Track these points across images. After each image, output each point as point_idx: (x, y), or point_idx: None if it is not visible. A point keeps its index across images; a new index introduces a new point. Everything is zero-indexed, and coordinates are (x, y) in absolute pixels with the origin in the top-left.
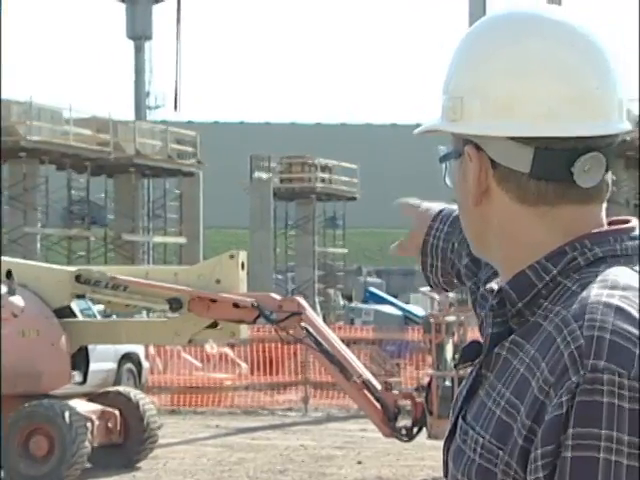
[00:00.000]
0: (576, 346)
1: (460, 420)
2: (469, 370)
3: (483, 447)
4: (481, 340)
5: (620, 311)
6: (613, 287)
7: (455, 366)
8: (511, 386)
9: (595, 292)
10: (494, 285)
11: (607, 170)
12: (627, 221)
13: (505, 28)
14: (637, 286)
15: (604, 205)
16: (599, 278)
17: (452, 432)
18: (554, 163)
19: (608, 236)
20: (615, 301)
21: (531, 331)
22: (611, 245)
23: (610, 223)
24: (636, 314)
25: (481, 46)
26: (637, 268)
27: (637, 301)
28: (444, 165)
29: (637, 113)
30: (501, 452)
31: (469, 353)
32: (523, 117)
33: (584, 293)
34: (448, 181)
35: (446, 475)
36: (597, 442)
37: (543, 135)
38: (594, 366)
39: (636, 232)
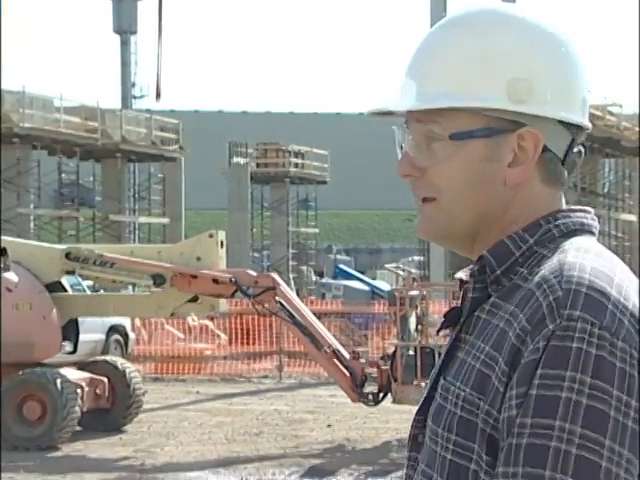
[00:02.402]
0: (554, 297)
1: (441, 380)
2: (448, 338)
3: (464, 400)
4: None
5: (595, 270)
6: (586, 252)
7: (437, 331)
8: (490, 341)
9: (572, 254)
10: (462, 275)
11: None
12: (582, 207)
13: (551, 20)
14: (606, 254)
15: None
16: (573, 246)
17: (426, 401)
18: (574, 150)
19: (576, 212)
20: (590, 262)
21: (510, 292)
22: (579, 219)
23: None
24: (609, 274)
25: (554, 34)
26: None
27: (609, 265)
28: (401, 145)
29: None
30: (481, 402)
31: (451, 318)
32: (577, 106)
33: (561, 256)
34: (412, 151)
35: (411, 449)
36: (561, 382)
37: (582, 123)
38: (569, 315)
39: (594, 216)
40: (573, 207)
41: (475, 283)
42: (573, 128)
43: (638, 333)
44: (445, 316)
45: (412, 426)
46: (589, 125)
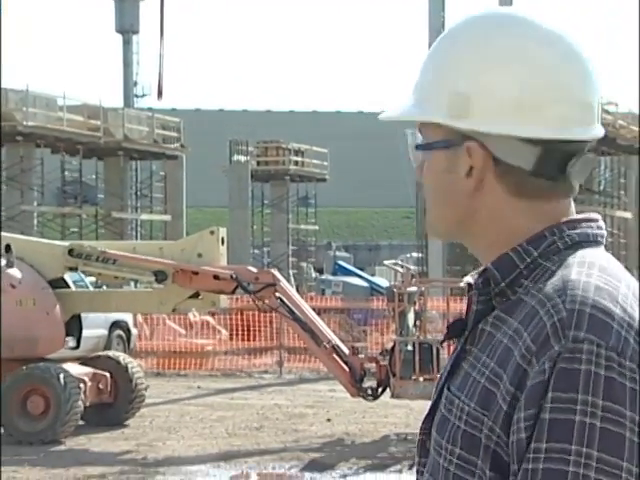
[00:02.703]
0: (559, 318)
1: (445, 390)
2: (453, 347)
3: (468, 414)
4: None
5: (599, 289)
6: (590, 267)
7: (441, 342)
8: (495, 356)
9: (575, 271)
10: (469, 279)
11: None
12: (590, 213)
13: (516, 30)
14: (611, 267)
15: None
16: (577, 260)
17: (433, 409)
18: (554, 162)
19: (582, 223)
20: (594, 280)
21: (514, 307)
22: (584, 230)
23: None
24: (613, 292)
25: (493, 46)
26: (605, 252)
27: (613, 281)
28: (412, 148)
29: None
30: (485, 418)
31: (454, 329)
32: (535, 119)
33: (565, 272)
34: (420, 168)
35: (420, 454)
36: (574, 406)
37: (557, 138)
38: (575, 337)
39: (600, 222)
40: (579, 217)
41: (479, 295)
42: (551, 143)
43: None
44: (448, 328)
45: (419, 432)
46: (581, 137)
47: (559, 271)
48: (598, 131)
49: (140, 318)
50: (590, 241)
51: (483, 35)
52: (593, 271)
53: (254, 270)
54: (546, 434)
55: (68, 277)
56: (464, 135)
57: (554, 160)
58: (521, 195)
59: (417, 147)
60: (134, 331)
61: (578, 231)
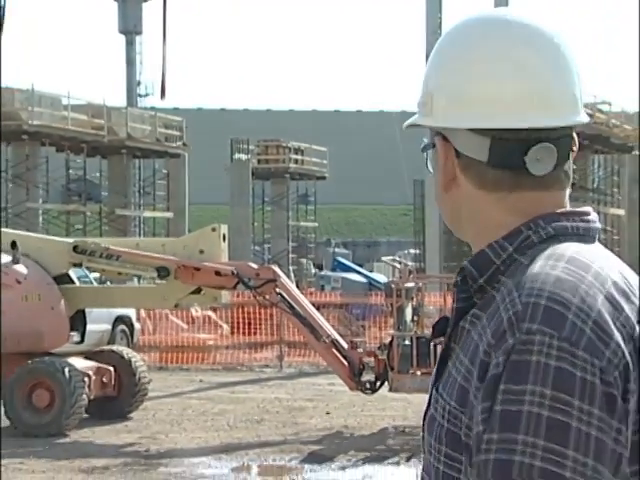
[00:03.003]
0: (514, 311)
1: (433, 390)
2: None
3: (449, 413)
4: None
5: (559, 280)
6: (558, 259)
7: (429, 341)
8: (468, 354)
9: (540, 264)
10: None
11: (564, 160)
12: (583, 207)
13: (469, 31)
14: (582, 259)
15: (566, 192)
16: (547, 253)
17: (427, 407)
18: (509, 153)
19: (560, 216)
20: (556, 271)
21: (487, 303)
22: (563, 224)
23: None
24: (575, 283)
25: (448, 48)
26: (589, 245)
27: (578, 272)
28: (425, 154)
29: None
30: (463, 415)
31: (439, 328)
32: (480, 111)
33: (531, 266)
34: (430, 168)
35: (424, 451)
36: (523, 397)
37: (495, 126)
38: (528, 329)
39: (590, 216)
40: (562, 210)
41: (459, 293)
42: (499, 132)
43: (601, 340)
44: (434, 327)
45: (422, 429)
46: (525, 125)
47: (528, 265)
48: (560, 119)
49: (143, 313)
50: (570, 234)
51: (448, 39)
52: (559, 263)
53: (255, 266)
54: (498, 425)
55: (73, 273)
56: (437, 133)
57: (507, 150)
58: (485, 187)
59: (421, 150)
60: (137, 326)
61: (555, 225)
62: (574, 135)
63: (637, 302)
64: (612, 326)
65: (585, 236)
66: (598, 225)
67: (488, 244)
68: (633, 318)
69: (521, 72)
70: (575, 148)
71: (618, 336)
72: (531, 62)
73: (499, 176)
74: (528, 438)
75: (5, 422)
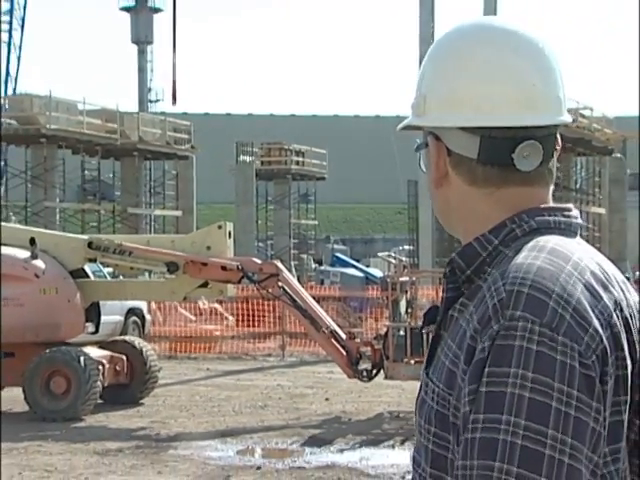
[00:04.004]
0: (499, 299)
1: (424, 375)
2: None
3: (438, 395)
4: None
5: (541, 269)
6: (540, 250)
7: (421, 329)
8: (456, 339)
9: (523, 255)
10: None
11: (549, 158)
12: (566, 204)
13: (459, 38)
14: (563, 250)
15: (550, 189)
16: (530, 244)
17: (420, 389)
18: (497, 150)
19: (543, 211)
20: (538, 261)
21: (474, 293)
22: (546, 218)
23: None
24: (556, 272)
25: (440, 54)
26: (570, 238)
27: (559, 262)
28: (419, 154)
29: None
30: (451, 397)
31: (430, 316)
32: (470, 111)
33: (516, 257)
34: (423, 166)
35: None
36: (506, 379)
37: (484, 125)
38: (512, 315)
39: (571, 212)
40: (545, 206)
41: (448, 284)
42: (487, 131)
43: (580, 326)
44: (425, 315)
45: (414, 413)
46: (511, 123)
47: (512, 257)
48: (545, 119)
49: (154, 305)
50: (551, 228)
51: (440, 46)
52: (541, 254)
53: (258, 261)
54: (482, 406)
55: (88, 268)
56: (429, 132)
57: (495, 148)
58: (475, 184)
59: (415, 150)
60: (148, 317)
61: (538, 219)
62: (558, 135)
63: (614, 292)
64: (591, 313)
65: (566, 230)
66: (579, 221)
67: (475, 238)
68: (610, 306)
69: (508, 75)
70: (559, 147)
71: (596, 322)
72: (518, 66)
73: (488, 172)
74: (511, 418)
75: (25, 407)
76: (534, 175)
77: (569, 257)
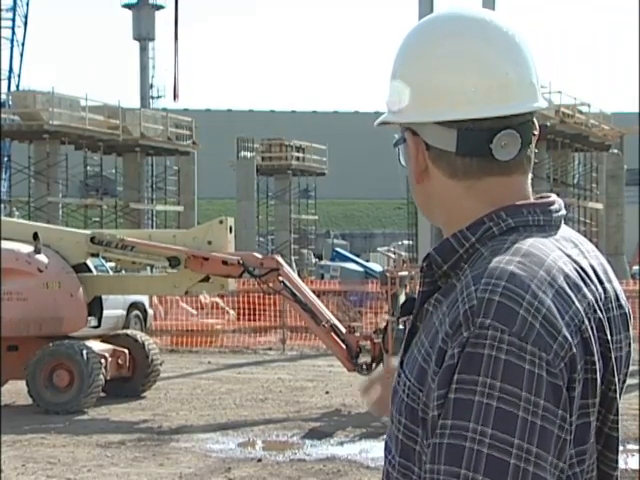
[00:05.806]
0: (470, 306)
1: (398, 366)
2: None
3: (409, 388)
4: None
5: (513, 275)
6: (514, 254)
7: (397, 319)
8: (429, 337)
9: (497, 258)
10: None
11: (526, 145)
12: (549, 197)
13: (430, 31)
14: (537, 253)
15: (528, 176)
16: (505, 245)
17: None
18: (475, 141)
19: (522, 209)
20: (512, 267)
21: (449, 290)
22: (524, 217)
23: (537, 199)
24: (527, 278)
25: (410, 48)
26: (550, 236)
27: (532, 267)
28: (397, 149)
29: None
30: (421, 393)
31: (406, 308)
32: (445, 104)
33: (490, 258)
34: (402, 161)
35: None
36: (475, 387)
37: (460, 118)
38: (481, 323)
39: (554, 206)
40: (526, 202)
41: (424, 278)
42: (464, 123)
43: (549, 334)
44: (401, 307)
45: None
46: (487, 114)
47: (487, 257)
48: (519, 107)
49: (155, 300)
50: (530, 225)
51: (407, 40)
52: (515, 258)
53: (259, 256)
54: (451, 413)
55: (90, 262)
56: (406, 128)
57: (473, 139)
58: (455, 176)
59: (393, 145)
60: (150, 311)
61: (517, 218)
62: (534, 120)
63: (589, 292)
64: (560, 321)
65: (545, 226)
66: (562, 213)
67: (452, 234)
68: (582, 311)
69: (479, 66)
70: (536, 132)
71: (565, 330)
72: (488, 55)
73: (468, 164)
74: (477, 426)
75: (28, 400)
76: (513, 164)
77: (543, 261)
